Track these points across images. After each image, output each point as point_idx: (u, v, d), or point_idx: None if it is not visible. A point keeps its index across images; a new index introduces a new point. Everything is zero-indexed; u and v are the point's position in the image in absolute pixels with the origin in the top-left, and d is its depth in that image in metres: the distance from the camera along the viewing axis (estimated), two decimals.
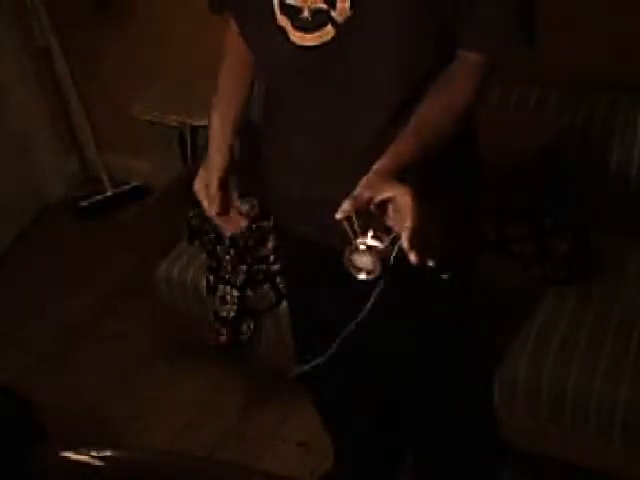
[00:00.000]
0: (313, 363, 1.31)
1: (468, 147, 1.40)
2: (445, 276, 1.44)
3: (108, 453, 1.15)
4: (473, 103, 1.25)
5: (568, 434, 1.86)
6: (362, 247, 1.07)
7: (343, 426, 1.97)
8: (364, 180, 1.10)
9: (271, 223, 2.18)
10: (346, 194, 1.09)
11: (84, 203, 3.17)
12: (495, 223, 2.02)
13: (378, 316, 1.62)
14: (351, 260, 1.09)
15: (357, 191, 1.09)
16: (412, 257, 1.06)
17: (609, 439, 1.80)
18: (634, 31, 2.07)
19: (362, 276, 1.10)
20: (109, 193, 3.19)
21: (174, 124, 2.71)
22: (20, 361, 2.51)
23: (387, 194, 1.07)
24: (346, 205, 1.07)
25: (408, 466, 2.00)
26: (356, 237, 1.07)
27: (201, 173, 1.44)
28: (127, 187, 3.20)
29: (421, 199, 1.09)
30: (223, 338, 2.13)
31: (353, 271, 1.10)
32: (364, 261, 1.08)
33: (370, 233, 1.07)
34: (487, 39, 1.20)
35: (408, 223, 1.05)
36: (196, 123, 2.64)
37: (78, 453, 1.14)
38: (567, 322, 1.88)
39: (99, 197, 3.19)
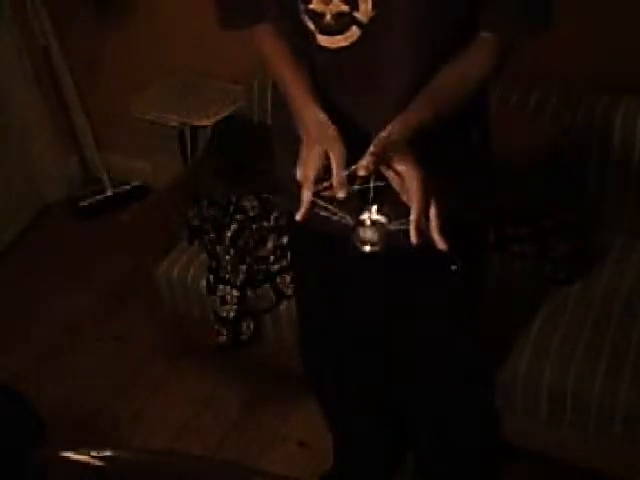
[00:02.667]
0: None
1: (479, 131, 1.42)
2: (454, 267, 1.44)
3: (108, 453, 1.15)
4: (487, 77, 1.28)
5: (568, 434, 1.86)
6: (367, 222, 1.13)
7: (344, 426, 1.97)
8: (377, 140, 1.13)
9: (271, 223, 2.18)
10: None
11: (84, 203, 3.17)
12: (495, 223, 2.02)
13: (380, 315, 1.63)
14: (357, 233, 1.14)
15: (372, 149, 1.11)
16: (413, 237, 1.10)
17: (609, 439, 1.80)
18: (634, 31, 2.07)
19: (367, 248, 1.14)
20: (109, 193, 3.18)
21: (174, 124, 2.70)
22: (20, 361, 2.51)
23: (400, 165, 1.11)
24: (366, 160, 1.09)
25: (408, 466, 2.00)
26: (364, 210, 1.12)
27: (309, 154, 1.19)
28: (127, 187, 3.19)
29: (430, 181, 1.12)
30: (223, 338, 2.13)
31: (358, 244, 1.14)
32: (368, 235, 1.13)
33: (374, 207, 1.12)
34: (503, 21, 1.23)
35: (416, 204, 1.09)
36: (196, 123, 2.64)
37: (78, 453, 1.14)
38: (567, 322, 1.88)
39: (99, 197, 3.18)
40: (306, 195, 1.14)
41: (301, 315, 1.80)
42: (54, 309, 2.71)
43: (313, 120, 1.22)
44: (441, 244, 1.12)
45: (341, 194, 1.12)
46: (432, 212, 1.12)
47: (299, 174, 1.18)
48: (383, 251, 1.14)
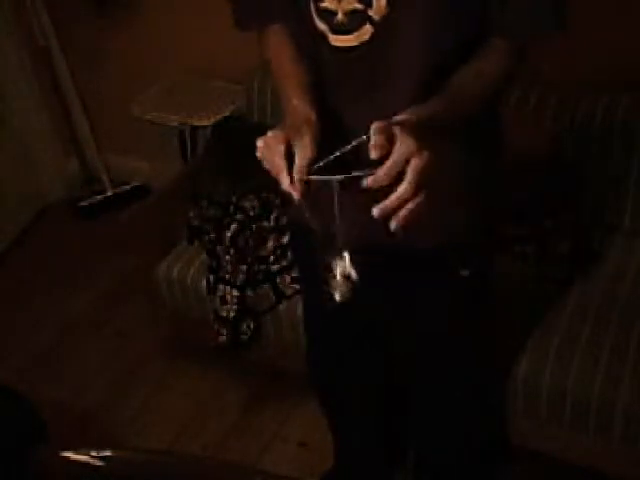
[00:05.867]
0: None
1: (493, 132, 1.42)
2: (465, 272, 1.44)
3: (108, 453, 1.15)
4: (501, 79, 1.26)
5: (568, 434, 1.86)
6: (339, 277, 1.13)
7: (344, 426, 1.97)
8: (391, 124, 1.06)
9: (271, 223, 2.18)
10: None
11: (84, 203, 3.17)
12: (495, 223, 2.02)
13: (381, 316, 1.63)
14: (328, 281, 1.15)
15: (377, 125, 1.04)
16: (376, 212, 1.03)
17: (609, 439, 1.80)
18: (633, 31, 2.07)
19: (337, 297, 1.16)
20: (109, 193, 3.19)
21: (174, 124, 2.71)
22: (20, 361, 2.51)
23: (405, 147, 1.02)
24: (375, 139, 1.02)
25: (408, 466, 2.00)
26: (336, 258, 1.12)
27: (276, 131, 1.13)
28: (127, 187, 3.19)
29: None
30: (223, 338, 2.13)
31: (329, 290, 1.16)
32: (339, 287, 1.15)
33: (347, 258, 1.12)
34: (515, 23, 1.22)
35: (405, 185, 1.01)
36: (196, 123, 2.64)
37: (78, 453, 1.14)
38: (567, 322, 1.88)
39: (99, 197, 3.18)
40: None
41: (305, 316, 1.81)
42: (54, 309, 2.72)
43: (292, 108, 1.19)
44: (394, 226, 1.03)
45: (295, 192, 1.07)
46: (417, 199, 1.02)
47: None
48: (352, 302, 1.14)
